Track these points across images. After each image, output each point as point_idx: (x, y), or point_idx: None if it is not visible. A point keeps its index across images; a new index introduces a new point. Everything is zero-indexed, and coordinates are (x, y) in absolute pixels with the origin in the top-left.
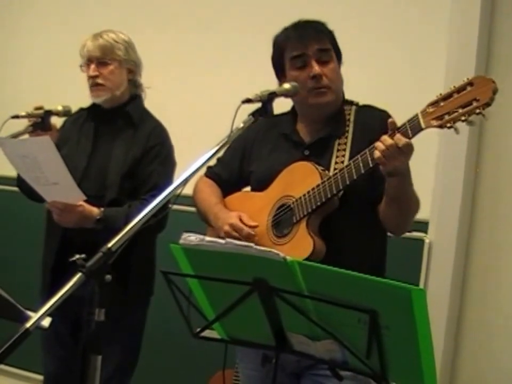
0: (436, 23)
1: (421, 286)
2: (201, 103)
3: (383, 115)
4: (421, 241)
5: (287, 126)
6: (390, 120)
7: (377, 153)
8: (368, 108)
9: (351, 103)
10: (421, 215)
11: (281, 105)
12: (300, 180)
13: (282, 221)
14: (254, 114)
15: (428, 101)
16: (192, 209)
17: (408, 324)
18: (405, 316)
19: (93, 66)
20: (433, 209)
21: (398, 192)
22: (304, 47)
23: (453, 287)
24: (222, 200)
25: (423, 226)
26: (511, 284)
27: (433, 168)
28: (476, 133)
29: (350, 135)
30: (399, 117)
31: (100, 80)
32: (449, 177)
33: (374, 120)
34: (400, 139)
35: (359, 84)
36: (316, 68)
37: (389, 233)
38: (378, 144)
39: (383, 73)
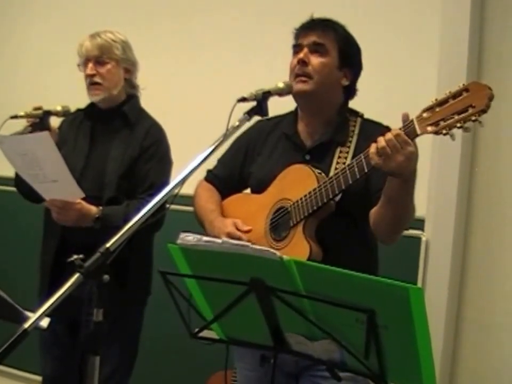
0: (429, 13)
1: (419, 284)
2: (197, 102)
3: (387, 131)
4: (417, 239)
5: (288, 125)
6: (404, 113)
7: (372, 149)
8: (373, 123)
9: (356, 113)
10: (417, 213)
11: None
12: (296, 183)
13: (280, 224)
14: (249, 112)
15: (421, 92)
16: (190, 208)
17: (406, 323)
18: (403, 315)
19: (90, 65)
20: (430, 207)
21: (396, 195)
22: (303, 37)
23: (451, 285)
24: (219, 205)
25: (419, 224)
26: (509, 281)
27: (428, 165)
28: (471, 130)
29: (352, 146)
30: (393, 109)
31: (97, 79)
32: (444, 174)
33: (378, 135)
34: (394, 129)
35: None
36: (301, 55)
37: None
38: (372, 145)
39: (375, 65)
